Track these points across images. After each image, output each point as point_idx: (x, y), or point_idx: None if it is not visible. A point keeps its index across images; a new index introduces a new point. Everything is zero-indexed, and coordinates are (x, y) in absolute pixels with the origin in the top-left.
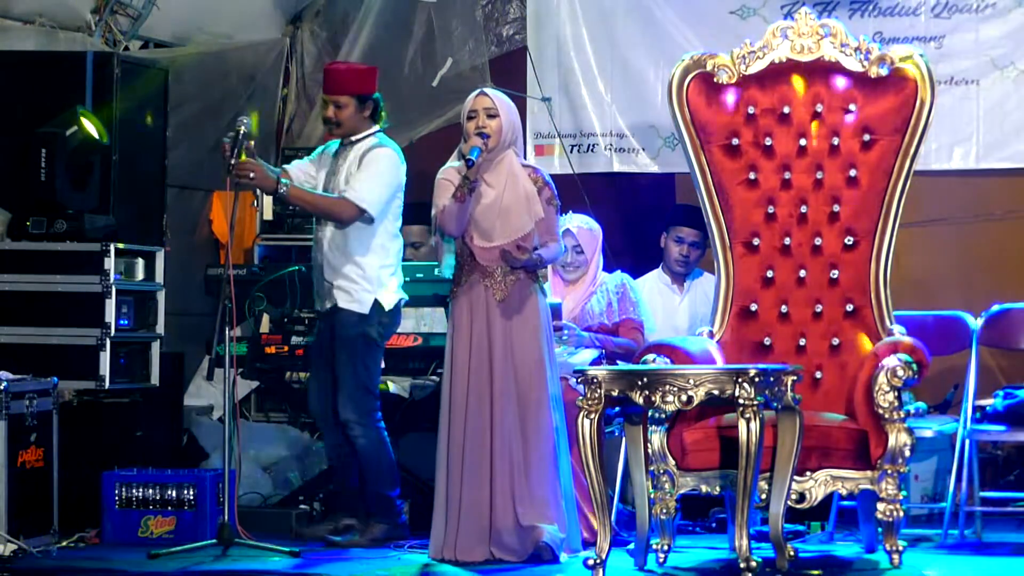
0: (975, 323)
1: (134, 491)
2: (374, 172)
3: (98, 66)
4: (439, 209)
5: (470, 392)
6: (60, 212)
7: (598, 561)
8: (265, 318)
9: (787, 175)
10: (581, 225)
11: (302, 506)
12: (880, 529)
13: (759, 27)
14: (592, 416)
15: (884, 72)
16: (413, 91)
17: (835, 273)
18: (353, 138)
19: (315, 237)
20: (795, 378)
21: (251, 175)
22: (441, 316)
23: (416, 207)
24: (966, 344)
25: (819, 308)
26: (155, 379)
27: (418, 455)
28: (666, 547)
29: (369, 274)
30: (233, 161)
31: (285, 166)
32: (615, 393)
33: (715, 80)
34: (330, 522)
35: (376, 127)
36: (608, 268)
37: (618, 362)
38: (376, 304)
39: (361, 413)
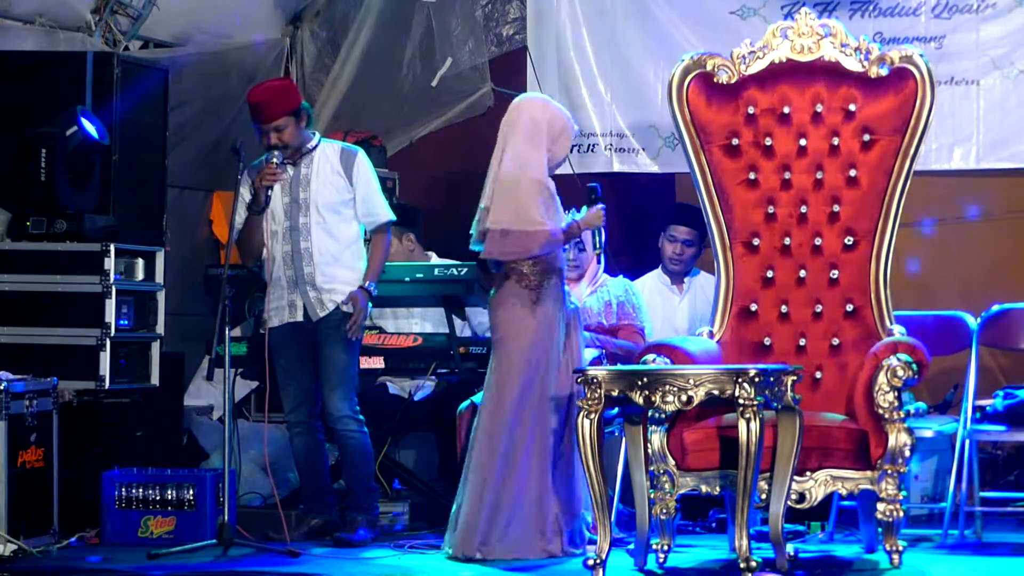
0: (975, 323)
1: (134, 491)
2: (374, 182)
3: (98, 66)
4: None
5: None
6: (60, 212)
7: (598, 561)
8: None
9: (787, 175)
10: None
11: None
12: (880, 529)
13: (759, 27)
14: (592, 416)
15: (884, 72)
16: (413, 91)
17: (835, 273)
18: (309, 146)
19: (285, 251)
20: (795, 378)
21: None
22: (440, 316)
23: (410, 210)
24: (966, 344)
25: (819, 308)
26: (155, 379)
27: (418, 455)
28: (666, 547)
29: (361, 277)
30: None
31: (237, 227)
32: (615, 393)
33: (715, 80)
34: (302, 524)
35: (316, 133)
36: (608, 268)
37: (617, 363)
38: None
39: (355, 410)
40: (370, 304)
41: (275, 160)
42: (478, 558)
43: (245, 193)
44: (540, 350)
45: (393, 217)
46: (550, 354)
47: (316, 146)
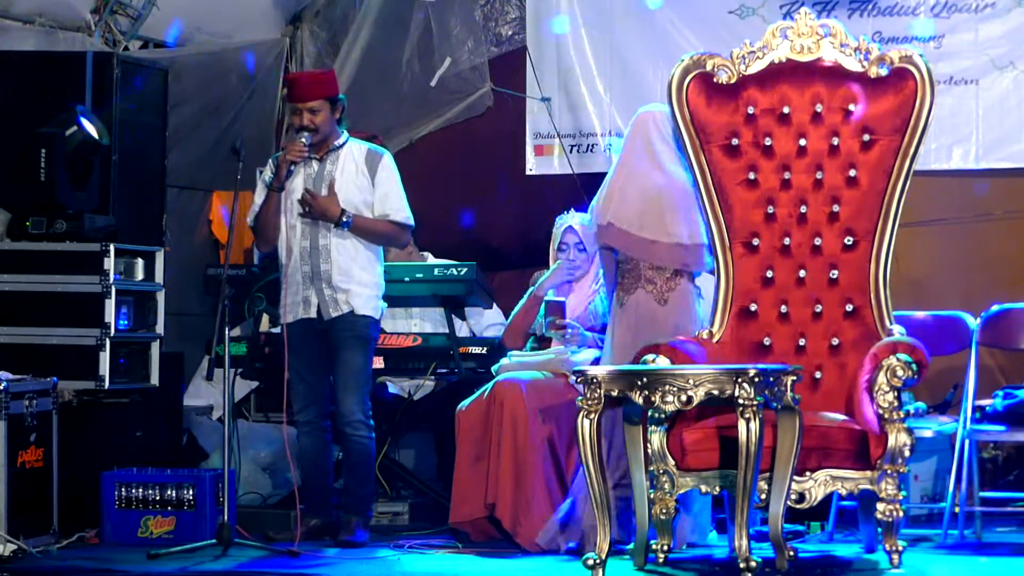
0: (975, 323)
1: (134, 491)
2: (397, 185)
3: (98, 66)
4: None
5: None
6: (60, 212)
7: (598, 561)
8: (265, 318)
9: (787, 175)
10: (584, 222)
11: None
12: (880, 529)
13: (758, 27)
14: (592, 416)
15: (884, 72)
16: (412, 91)
17: (835, 273)
18: (337, 142)
19: (303, 246)
20: (795, 378)
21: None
22: (440, 316)
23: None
24: (966, 344)
25: (819, 308)
26: (155, 379)
27: (418, 455)
28: (666, 547)
29: (379, 281)
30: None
31: (255, 209)
32: (615, 393)
33: (715, 80)
34: (301, 524)
35: (346, 132)
36: None
37: None
38: (381, 309)
39: (367, 415)
40: (340, 218)
41: (304, 140)
42: None
43: (267, 175)
44: None
45: (411, 222)
46: None
47: (344, 144)
